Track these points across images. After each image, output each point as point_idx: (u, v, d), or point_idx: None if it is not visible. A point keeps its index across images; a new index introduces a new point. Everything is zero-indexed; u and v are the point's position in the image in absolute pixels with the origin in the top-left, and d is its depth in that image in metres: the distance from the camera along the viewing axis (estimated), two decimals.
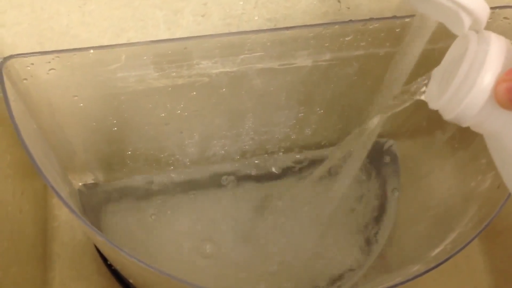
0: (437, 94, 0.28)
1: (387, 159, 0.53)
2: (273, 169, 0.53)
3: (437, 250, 0.34)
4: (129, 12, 0.37)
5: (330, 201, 0.51)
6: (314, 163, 0.53)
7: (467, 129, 0.41)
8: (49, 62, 0.33)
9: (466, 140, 0.43)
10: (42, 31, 0.37)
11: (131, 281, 0.46)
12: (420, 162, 0.51)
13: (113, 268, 0.50)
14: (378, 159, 0.53)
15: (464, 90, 0.25)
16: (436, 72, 0.30)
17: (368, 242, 0.50)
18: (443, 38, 0.41)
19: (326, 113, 0.48)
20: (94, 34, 0.38)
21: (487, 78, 0.25)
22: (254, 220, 0.52)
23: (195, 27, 0.39)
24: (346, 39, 0.39)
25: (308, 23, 0.40)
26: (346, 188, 0.48)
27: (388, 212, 0.51)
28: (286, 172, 0.53)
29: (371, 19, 0.37)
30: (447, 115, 0.27)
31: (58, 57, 0.32)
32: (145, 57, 0.36)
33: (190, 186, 0.52)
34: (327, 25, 0.37)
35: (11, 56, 0.31)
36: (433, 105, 0.28)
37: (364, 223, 0.52)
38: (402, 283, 0.30)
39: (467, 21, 0.27)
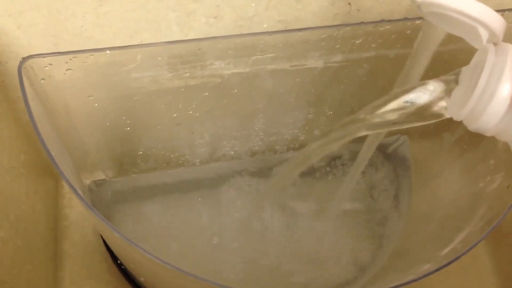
0: (460, 107, 0.28)
1: (398, 156, 0.53)
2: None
3: (446, 250, 0.34)
4: (142, 14, 0.37)
5: (338, 199, 0.51)
6: (322, 163, 0.53)
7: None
8: (67, 62, 0.33)
9: (474, 141, 0.43)
10: (58, 32, 0.38)
11: (141, 279, 0.46)
12: (429, 163, 0.51)
13: (123, 267, 0.50)
14: (389, 156, 0.53)
15: (484, 101, 0.26)
16: (458, 86, 0.30)
17: (379, 242, 0.51)
18: (452, 41, 0.42)
19: (335, 114, 0.48)
20: (108, 35, 0.39)
21: (506, 88, 0.25)
22: (263, 218, 0.52)
23: (207, 28, 0.40)
24: (357, 41, 0.39)
25: (319, 25, 0.41)
26: (354, 186, 0.48)
27: (399, 211, 0.52)
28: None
29: (382, 21, 0.38)
30: (471, 126, 0.28)
31: (75, 57, 0.33)
32: (159, 58, 0.36)
33: (199, 185, 0.52)
34: (338, 26, 0.38)
35: (30, 56, 0.31)
36: (456, 117, 0.29)
37: (374, 222, 0.52)
38: (412, 281, 0.31)
39: (484, 35, 0.28)
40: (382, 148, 0.54)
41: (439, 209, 0.45)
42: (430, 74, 0.44)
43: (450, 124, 0.47)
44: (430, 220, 0.45)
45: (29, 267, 0.44)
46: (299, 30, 0.37)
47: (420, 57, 0.34)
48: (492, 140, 0.40)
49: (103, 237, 0.49)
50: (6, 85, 0.41)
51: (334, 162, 0.54)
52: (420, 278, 0.30)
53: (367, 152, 0.42)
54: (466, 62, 0.44)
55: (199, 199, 0.52)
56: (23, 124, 0.45)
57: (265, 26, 0.40)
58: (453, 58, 0.43)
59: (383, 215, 0.52)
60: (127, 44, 0.37)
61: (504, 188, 0.35)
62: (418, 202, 0.50)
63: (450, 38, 0.41)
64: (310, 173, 0.54)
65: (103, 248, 0.53)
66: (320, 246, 0.50)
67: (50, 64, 0.33)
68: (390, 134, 0.52)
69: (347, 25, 0.37)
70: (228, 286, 0.29)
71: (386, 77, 0.41)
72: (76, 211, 0.55)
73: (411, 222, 0.50)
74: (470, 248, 0.31)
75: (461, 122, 0.34)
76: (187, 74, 0.39)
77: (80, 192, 0.29)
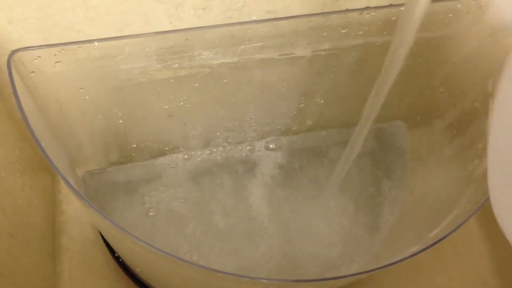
0: None
1: (394, 142, 0.53)
2: (275, 157, 0.53)
3: (435, 231, 0.35)
4: (131, 7, 0.38)
5: (332, 185, 0.51)
6: (315, 150, 0.54)
7: (465, 116, 0.42)
8: (55, 55, 0.34)
9: (463, 126, 0.44)
10: (48, 27, 0.38)
11: (137, 270, 0.47)
12: (421, 149, 0.52)
13: (120, 260, 0.51)
14: (384, 141, 0.54)
15: None
16: None
17: (373, 227, 0.51)
18: (439, 26, 0.42)
19: (326, 103, 0.49)
20: (98, 28, 0.39)
21: None
22: (259, 205, 0.52)
23: (196, 20, 0.40)
24: (344, 29, 0.40)
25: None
26: (347, 172, 0.49)
27: (393, 198, 0.52)
28: (287, 160, 0.54)
29: (367, 8, 0.38)
30: None
31: (63, 49, 0.33)
32: (147, 49, 0.37)
33: (195, 175, 0.53)
34: (324, 14, 0.38)
35: (18, 49, 0.32)
36: None
37: (368, 208, 0.53)
38: (399, 261, 0.31)
39: None
40: (377, 134, 0.54)
41: (431, 194, 0.45)
42: (419, 61, 0.45)
43: (441, 110, 0.48)
44: (422, 204, 0.45)
45: (27, 261, 0.44)
46: (285, 18, 0.37)
47: (399, 43, 0.35)
48: (480, 124, 0.40)
49: (98, 228, 0.49)
50: None
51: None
52: (406, 258, 0.30)
53: (360, 134, 0.42)
54: (453, 48, 0.44)
55: (195, 188, 0.53)
56: (17, 120, 0.46)
57: (254, 17, 0.41)
58: (441, 44, 0.43)
59: (377, 201, 0.52)
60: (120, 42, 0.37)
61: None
62: (411, 187, 0.50)
63: (436, 25, 0.42)
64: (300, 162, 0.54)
65: (101, 242, 0.53)
66: (312, 233, 0.51)
67: (39, 56, 0.33)
68: (385, 120, 0.53)
69: (333, 12, 0.38)
70: (221, 271, 0.29)
71: (375, 65, 0.41)
72: (74, 207, 0.55)
73: (404, 208, 0.50)
74: (457, 228, 0.31)
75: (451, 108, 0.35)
76: (176, 65, 0.39)
77: (71, 181, 0.29)
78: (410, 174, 0.52)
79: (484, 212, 0.57)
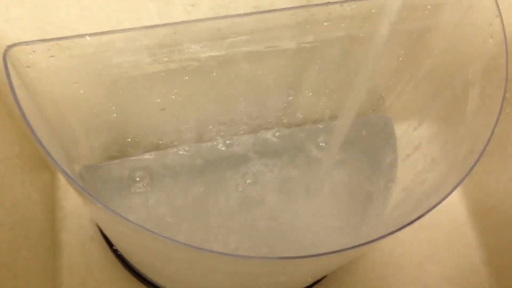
0: None
1: (382, 135, 0.55)
2: (266, 150, 0.55)
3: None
4: (123, 5, 0.39)
5: (321, 175, 0.53)
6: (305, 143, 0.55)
7: (447, 106, 0.43)
8: (49, 49, 0.35)
9: (446, 115, 0.45)
10: (43, 26, 0.40)
11: (134, 260, 0.48)
12: (408, 140, 0.53)
13: (118, 253, 0.52)
14: (372, 134, 0.55)
15: None
16: None
17: (363, 217, 0.52)
18: (419, 18, 0.44)
19: (315, 96, 0.50)
20: (92, 26, 0.40)
21: None
22: (252, 198, 0.54)
23: (186, 16, 0.41)
24: (326, 21, 0.41)
25: None
26: (334, 166, 0.50)
27: (384, 189, 0.53)
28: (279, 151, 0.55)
29: (348, 0, 0.39)
30: None
31: (57, 44, 0.35)
32: (138, 43, 0.38)
33: (190, 169, 0.54)
34: (307, 7, 0.39)
35: (14, 44, 0.33)
36: None
37: (358, 199, 0.54)
38: (383, 236, 0.32)
39: None
40: (364, 127, 0.55)
41: (418, 184, 0.46)
42: (402, 52, 0.46)
43: (425, 102, 0.49)
44: (411, 192, 0.47)
45: (27, 253, 0.45)
46: (268, 11, 0.38)
47: (377, 34, 0.36)
48: (461, 112, 0.42)
49: (96, 220, 0.50)
50: None
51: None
52: (393, 231, 0.31)
53: (342, 127, 0.43)
54: (437, 40, 0.46)
55: (192, 181, 0.54)
56: (16, 117, 0.47)
57: (241, 12, 0.42)
58: (422, 36, 0.45)
59: (367, 193, 0.54)
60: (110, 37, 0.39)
61: (469, 153, 0.37)
62: (401, 179, 0.52)
63: (417, 16, 0.43)
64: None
65: (100, 237, 0.55)
66: (302, 220, 0.52)
67: (34, 51, 0.35)
68: (372, 113, 0.54)
69: (315, 5, 0.39)
70: (218, 251, 0.30)
71: (359, 57, 0.43)
72: (73, 203, 0.57)
73: (394, 198, 0.51)
74: (438, 203, 0.32)
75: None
76: (166, 59, 0.41)
77: (68, 171, 0.31)
78: (399, 165, 0.54)
79: (475, 202, 0.58)
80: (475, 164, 0.33)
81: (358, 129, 0.55)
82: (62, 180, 0.58)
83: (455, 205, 0.61)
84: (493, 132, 0.35)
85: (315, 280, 0.51)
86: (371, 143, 0.55)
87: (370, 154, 0.55)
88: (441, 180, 0.40)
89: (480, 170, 0.58)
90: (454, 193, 0.60)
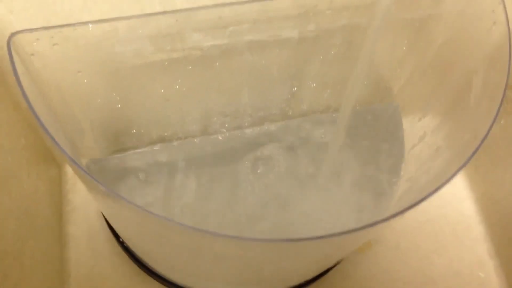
0: None
1: (390, 123, 0.55)
2: (271, 143, 0.55)
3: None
4: None
5: (327, 164, 0.53)
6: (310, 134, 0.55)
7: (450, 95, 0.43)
8: (52, 37, 0.36)
9: (450, 105, 0.45)
10: (48, 17, 0.40)
11: (139, 251, 0.49)
12: (413, 131, 0.53)
13: (125, 245, 0.53)
14: (378, 123, 0.55)
15: None
16: None
17: (370, 208, 0.52)
18: (422, 7, 0.44)
19: (319, 87, 0.50)
20: (95, 17, 0.41)
21: None
22: (258, 188, 0.54)
23: (189, 6, 0.42)
24: (328, 10, 0.41)
25: None
26: (340, 155, 0.50)
27: (391, 179, 0.53)
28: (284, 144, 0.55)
29: None
30: None
31: (60, 32, 0.35)
32: (139, 31, 0.39)
33: (196, 161, 0.54)
34: None
35: (17, 32, 0.34)
36: None
37: (365, 189, 0.54)
38: (386, 219, 0.32)
39: None
40: (371, 116, 0.55)
41: (423, 174, 0.46)
42: (405, 41, 0.46)
43: (430, 91, 0.49)
44: (415, 181, 0.46)
45: (34, 244, 0.46)
46: None
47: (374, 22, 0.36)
48: (466, 98, 0.42)
49: (103, 210, 0.51)
50: (3, 71, 0.43)
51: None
52: (397, 214, 0.31)
53: (343, 116, 0.43)
54: (441, 29, 0.45)
55: (199, 173, 0.54)
56: (22, 110, 0.48)
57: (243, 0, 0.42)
58: (425, 25, 0.45)
59: (375, 182, 0.54)
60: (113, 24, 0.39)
61: (472, 139, 0.37)
62: (405, 167, 0.52)
63: (420, 4, 0.43)
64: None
65: (107, 230, 0.55)
66: (309, 211, 0.52)
67: (38, 39, 0.35)
68: (379, 101, 0.54)
69: None
70: (227, 234, 0.30)
71: (361, 47, 0.43)
72: (80, 196, 0.57)
73: (400, 188, 0.51)
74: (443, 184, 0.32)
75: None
76: (169, 47, 0.41)
77: (75, 160, 0.31)
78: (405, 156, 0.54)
79: (482, 195, 0.58)
80: (477, 149, 0.33)
81: (365, 117, 0.55)
82: (69, 173, 0.58)
83: (462, 197, 0.61)
84: (495, 118, 0.35)
85: (320, 271, 0.51)
86: (378, 131, 0.55)
87: (378, 143, 0.55)
88: (445, 168, 0.40)
89: (487, 163, 0.58)
90: (461, 185, 0.61)
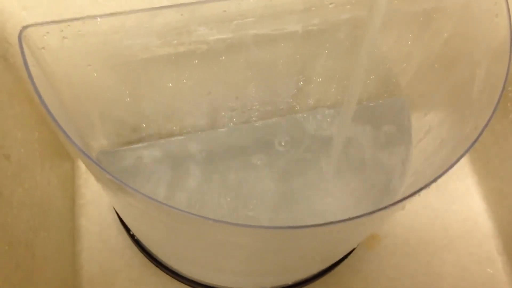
0: None
1: (397, 118, 0.55)
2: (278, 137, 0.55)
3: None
4: None
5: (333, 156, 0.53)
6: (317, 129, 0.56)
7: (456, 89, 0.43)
8: (62, 30, 0.37)
9: (454, 98, 0.45)
10: (59, 13, 0.41)
11: (150, 244, 0.50)
12: (419, 125, 0.53)
13: (135, 238, 0.54)
14: (386, 118, 0.55)
15: None
16: None
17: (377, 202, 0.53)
18: (425, 1, 0.44)
19: (324, 81, 0.51)
20: (105, 11, 0.42)
21: None
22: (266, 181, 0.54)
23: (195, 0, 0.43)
24: (331, 3, 0.42)
25: None
26: (345, 150, 0.50)
27: (399, 174, 0.54)
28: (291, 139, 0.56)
29: None
30: None
31: (69, 25, 0.36)
32: (146, 25, 0.40)
33: (205, 154, 0.55)
34: None
35: (28, 25, 0.35)
36: None
37: (372, 183, 0.54)
38: (390, 205, 0.32)
39: None
40: (378, 110, 0.55)
41: (427, 167, 0.46)
42: (410, 36, 0.47)
43: (437, 85, 0.49)
44: (420, 175, 0.47)
45: (45, 234, 0.47)
46: None
47: (373, 14, 0.36)
48: (470, 91, 0.42)
49: (114, 204, 0.52)
50: (18, 66, 0.45)
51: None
52: (400, 201, 0.32)
53: (347, 111, 0.44)
54: (445, 23, 0.46)
55: (209, 167, 0.55)
56: (36, 105, 0.49)
57: None
58: (430, 20, 0.45)
59: (382, 177, 0.54)
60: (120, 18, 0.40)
61: (473, 130, 0.37)
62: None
63: None
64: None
65: (118, 223, 0.56)
66: (317, 204, 0.52)
67: (48, 32, 0.36)
68: (387, 96, 0.54)
69: None
70: (240, 223, 0.31)
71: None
72: (92, 190, 0.59)
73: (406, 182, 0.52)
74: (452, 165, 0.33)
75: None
76: (175, 41, 0.42)
77: (84, 150, 0.32)
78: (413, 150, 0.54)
79: (491, 191, 0.58)
80: (476, 140, 0.33)
81: (373, 112, 0.55)
82: (82, 168, 0.60)
83: (471, 193, 0.61)
84: (495, 109, 0.35)
85: (327, 264, 0.52)
86: (386, 126, 0.56)
87: (385, 137, 0.56)
88: (447, 160, 0.40)
89: (496, 159, 0.58)
90: (470, 181, 0.61)
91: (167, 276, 0.53)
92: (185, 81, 0.47)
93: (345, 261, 0.54)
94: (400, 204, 0.34)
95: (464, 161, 0.62)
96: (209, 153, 0.55)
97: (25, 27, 0.35)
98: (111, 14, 0.37)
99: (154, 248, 0.51)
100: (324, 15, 0.43)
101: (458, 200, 0.60)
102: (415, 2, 0.43)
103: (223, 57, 0.45)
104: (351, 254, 0.55)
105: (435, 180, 0.34)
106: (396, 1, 0.42)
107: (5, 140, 0.41)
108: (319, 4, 0.42)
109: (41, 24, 0.35)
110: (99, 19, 0.37)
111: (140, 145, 0.53)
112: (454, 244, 0.58)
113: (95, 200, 0.58)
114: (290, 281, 0.51)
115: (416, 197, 0.51)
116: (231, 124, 0.53)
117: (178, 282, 0.53)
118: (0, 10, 0.40)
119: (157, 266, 0.53)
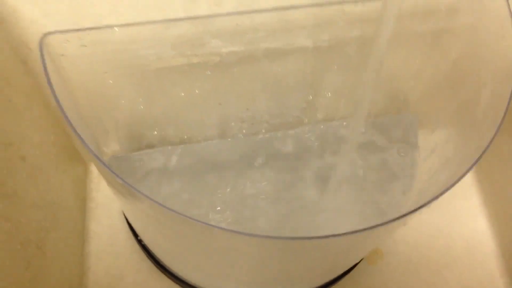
0: None
1: (406, 134, 0.56)
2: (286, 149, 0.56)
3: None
4: (151, 1, 0.42)
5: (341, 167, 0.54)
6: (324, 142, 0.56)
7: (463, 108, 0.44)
8: (81, 38, 0.38)
9: (461, 117, 0.46)
10: (79, 20, 0.43)
11: (157, 250, 0.50)
12: (425, 142, 0.54)
13: (143, 243, 0.55)
14: (393, 133, 0.56)
15: None
16: None
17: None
18: (434, 21, 0.45)
19: (334, 96, 0.52)
20: (122, 21, 0.43)
21: None
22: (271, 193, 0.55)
23: (210, 13, 0.44)
24: (341, 20, 0.43)
25: None
26: (353, 165, 0.51)
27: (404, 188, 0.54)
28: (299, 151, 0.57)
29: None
30: None
31: (88, 34, 0.38)
32: (162, 36, 0.41)
33: (214, 165, 0.56)
34: (322, 5, 0.41)
35: (49, 33, 0.37)
36: None
37: (377, 195, 0.54)
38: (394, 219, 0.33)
39: None
40: (386, 126, 0.56)
41: (432, 185, 0.47)
42: (419, 55, 0.48)
43: (444, 103, 0.50)
44: (425, 193, 0.47)
45: (56, 235, 0.48)
46: (282, 9, 0.40)
47: (380, 34, 0.37)
48: (475, 111, 0.42)
49: (124, 209, 0.53)
50: (37, 71, 0.46)
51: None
52: (402, 216, 0.32)
53: (356, 126, 0.44)
54: (453, 43, 0.47)
55: (219, 175, 0.56)
56: (52, 109, 0.50)
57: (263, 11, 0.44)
58: (439, 39, 0.46)
59: (387, 194, 0.54)
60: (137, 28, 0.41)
61: (476, 149, 0.38)
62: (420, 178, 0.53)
63: (434, 16, 0.44)
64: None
65: (127, 228, 0.57)
66: (320, 218, 0.53)
67: (68, 40, 0.38)
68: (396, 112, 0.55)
69: (330, 3, 0.41)
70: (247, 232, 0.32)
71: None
72: (104, 195, 0.60)
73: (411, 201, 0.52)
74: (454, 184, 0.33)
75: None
76: (189, 52, 0.43)
77: (98, 154, 0.33)
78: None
79: (496, 211, 0.58)
80: (479, 158, 0.34)
81: (382, 128, 0.56)
82: (94, 172, 0.61)
83: (476, 213, 0.61)
84: (498, 129, 0.36)
85: (330, 278, 0.52)
86: (394, 142, 0.56)
87: (393, 154, 0.56)
88: (452, 179, 0.41)
89: (501, 180, 0.58)
90: (475, 201, 0.61)
91: (173, 282, 0.54)
92: (197, 91, 0.48)
93: (348, 275, 0.55)
94: (402, 220, 0.35)
95: (470, 181, 0.63)
96: (217, 162, 0.56)
97: (46, 34, 0.36)
98: (128, 25, 0.38)
99: (161, 254, 0.52)
100: (334, 32, 0.44)
101: (463, 219, 0.61)
102: (424, 23, 0.44)
103: (235, 69, 0.46)
104: (354, 269, 0.55)
105: (437, 197, 0.35)
106: (406, 21, 0.43)
107: (22, 142, 0.43)
108: (330, 21, 0.43)
109: (61, 32, 0.37)
110: (116, 29, 0.38)
111: (151, 151, 0.54)
112: (456, 263, 0.58)
113: (106, 204, 0.59)
114: None
115: (420, 214, 0.52)
116: (240, 135, 0.54)
117: None
118: (22, 17, 0.41)
119: (163, 272, 0.54)
